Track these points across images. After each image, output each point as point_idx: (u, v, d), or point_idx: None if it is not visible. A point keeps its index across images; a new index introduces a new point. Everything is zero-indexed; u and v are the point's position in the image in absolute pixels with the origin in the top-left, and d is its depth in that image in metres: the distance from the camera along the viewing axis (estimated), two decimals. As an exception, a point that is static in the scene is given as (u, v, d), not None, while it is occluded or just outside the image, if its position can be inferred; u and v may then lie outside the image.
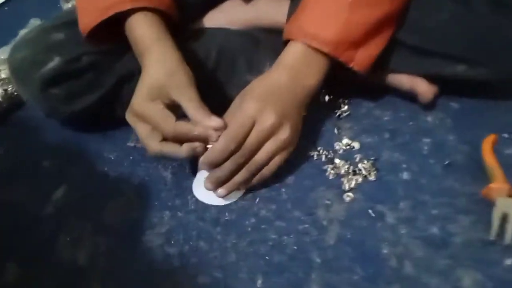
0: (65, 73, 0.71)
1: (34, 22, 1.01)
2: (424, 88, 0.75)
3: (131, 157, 0.75)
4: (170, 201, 0.68)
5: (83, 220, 0.67)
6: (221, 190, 0.65)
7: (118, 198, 0.69)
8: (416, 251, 0.60)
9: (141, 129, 0.63)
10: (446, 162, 0.69)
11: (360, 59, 0.66)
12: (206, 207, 0.67)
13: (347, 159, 0.71)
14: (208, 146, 0.63)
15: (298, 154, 0.72)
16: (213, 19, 0.83)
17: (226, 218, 0.65)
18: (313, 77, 0.66)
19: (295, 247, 0.61)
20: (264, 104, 0.63)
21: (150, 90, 0.62)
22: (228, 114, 0.65)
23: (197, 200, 0.68)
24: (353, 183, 0.67)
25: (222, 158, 0.63)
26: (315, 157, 0.72)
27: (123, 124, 0.77)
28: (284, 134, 0.64)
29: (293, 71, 0.65)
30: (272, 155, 0.64)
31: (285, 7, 0.77)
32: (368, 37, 0.66)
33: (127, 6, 0.66)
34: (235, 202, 0.67)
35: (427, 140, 0.73)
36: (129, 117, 0.64)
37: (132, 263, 0.62)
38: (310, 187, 0.68)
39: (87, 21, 0.68)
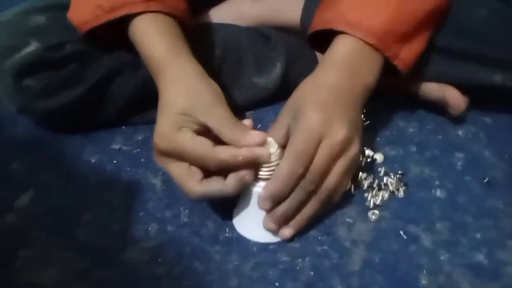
0: (44, 61, 0.61)
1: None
2: (456, 98, 0.65)
3: (114, 161, 0.64)
4: (159, 212, 0.57)
5: (51, 233, 0.55)
6: (287, 230, 0.52)
7: (97, 209, 0.57)
8: (461, 282, 0.49)
9: (177, 171, 0.50)
10: (486, 180, 0.59)
11: (405, 57, 0.56)
12: (202, 221, 0.55)
13: (370, 172, 0.60)
14: (262, 173, 0.51)
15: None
16: (219, 14, 0.74)
17: (227, 235, 0.54)
18: (371, 75, 0.55)
19: (312, 273, 0.50)
20: (330, 113, 0.50)
21: (174, 119, 0.50)
22: (276, 130, 0.53)
23: (191, 213, 0.56)
24: (379, 199, 0.57)
25: (289, 187, 0.50)
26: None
27: (108, 125, 0.68)
28: (355, 149, 0.52)
29: (350, 69, 0.53)
30: (343, 177, 0.52)
31: (298, 3, 0.69)
32: (415, 32, 0.56)
33: (139, 9, 0.55)
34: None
35: (460, 155, 0.63)
36: (157, 158, 0.52)
37: (112, 285, 0.50)
38: (329, 203, 0.57)
39: (85, 18, 0.58)
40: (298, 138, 0.49)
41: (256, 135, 0.49)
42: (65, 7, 0.62)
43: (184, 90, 0.51)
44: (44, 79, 0.62)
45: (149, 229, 0.55)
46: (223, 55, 0.69)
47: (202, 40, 0.68)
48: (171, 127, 0.50)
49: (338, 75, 0.53)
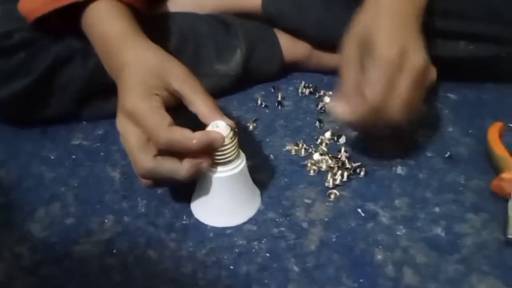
0: None
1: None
2: None
3: (73, 156, 0.63)
4: (116, 204, 0.56)
5: (2, 229, 0.54)
6: None
7: (51, 203, 0.56)
8: (418, 257, 0.48)
9: (133, 137, 0.48)
10: (447, 155, 0.58)
11: None
12: (160, 210, 0.54)
13: (331, 153, 0.59)
14: (217, 157, 0.49)
15: (273, 149, 0.61)
16: (179, 3, 0.73)
17: (184, 222, 0.53)
18: None
19: (268, 255, 0.49)
20: (403, 42, 0.49)
21: (145, 82, 0.48)
22: (350, 67, 0.51)
23: (148, 203, 0.55)
24: (338, 180, 0.56)
25: (374, 123, 0.50)
26: (293, 151, 0.61)
27: (68, 120, 0.67)
28: (433, 73, 0.52)
29: None
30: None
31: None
32: None
33: None
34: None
35: (424, 131, 0.63)
36: (119, 120, 0.50)
37: (61, 279, 0.48)
38: (287, 185, 0.56)
39: (34, 6, 0.57)
40: (377, 72, 0.49)
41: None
42: None
43: (157, 57, 0.51)
44: None
45: (105, 221, 0.54)
46: (180, 44, 0.68)
47: (157, 30, 0.67)
48: (143, 91, 0.48)
49: None
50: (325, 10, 0.68)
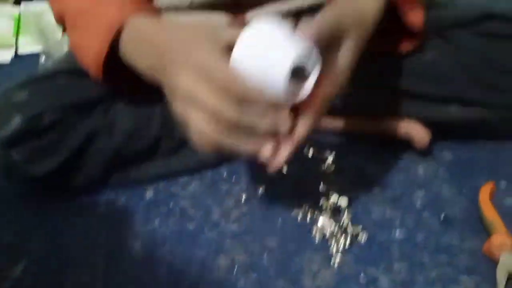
0: (26, 133, 0.66)
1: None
2: (420, 132, 0.71)
3: (98, 226, 0.68)
4: (138, 275, 0.61)
5: None
6: None
7: (81, 276, 0.62)
8: (416, 320, 0.52)
9: (195, 115, 0.48)
10: (442, 216, 0.63)
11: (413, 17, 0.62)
12: (178, 279, 0.60)
13: (334, 218, 0.64)
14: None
15: (281, 214, 0.66)
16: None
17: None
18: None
19: (278, 321, 0.54)
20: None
21: (208, 39, 0.49)
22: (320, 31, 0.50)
23: (168, 273, 0.61)
24: (341, 245, 0.61)
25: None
26: (300, 217, 0.66)
27: (91, 189, 0.73)
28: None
29: None
30: None
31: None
32: None
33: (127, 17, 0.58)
34: (211, 273, 0.60)
35: (420, 193, 0.67)
36: (177, 103, 0.50)
37: None
38: (295, 251, 0.61)
39: (92, 54, 0.61)
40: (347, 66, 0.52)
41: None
42: (43, 79, 0.69)
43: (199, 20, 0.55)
44: (28, 149, 0.67)
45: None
46: None
47: None
48: (209, 50, 0.49)
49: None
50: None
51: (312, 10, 0.74)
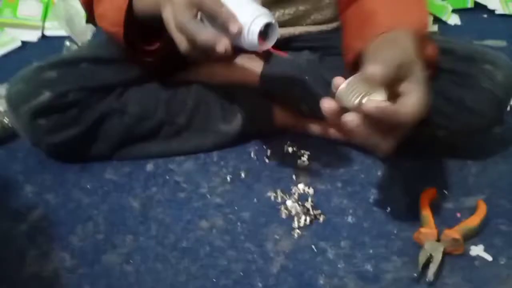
0: (53, 107, 0.80)
1: (36, 67, 1.12)
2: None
3: (105, 188, 0.82)
4: (134, 227, 0.75)
5: (52, 239, 0.73)
6: None
7: (87, 222, 0.76)
8: (349, 284, 0.65)
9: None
10: (388, 210, 0.76)
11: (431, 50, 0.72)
12: (166, 233, 0.73)
13: (300, 202, 0.78)
14: None
15: (257, 194, 0.80)
16: (195, 73, 0.92)
17: (183, 245, 0.72)
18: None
19: (241, 273, 0.67)
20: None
21: None
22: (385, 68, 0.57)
23: (159, 227, 0.74)
24: (302, 222, 0.74)
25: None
26: (272, 198, 0.79)
27: (103, 158, 0.86)
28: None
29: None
30: None
31: (258, 65, 0.88)
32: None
33: None
34: (194, 232, 0.73)
35: (374, 191, 0.81)
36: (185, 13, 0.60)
37: (92, 278, 0.67)
38: (264, 223, 0.75)
39: (115, 10, 0.72)
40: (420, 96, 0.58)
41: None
42: (69, 63, 0.83)
43: None
44: (52, 120, 0.81)
45: (126, 239, 0.73)
46: (194, 106, 0.88)
47: (177, 93, 0.87)
48: None
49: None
50: (310, 89, 0.87)
51: (302, 38, 0.89)
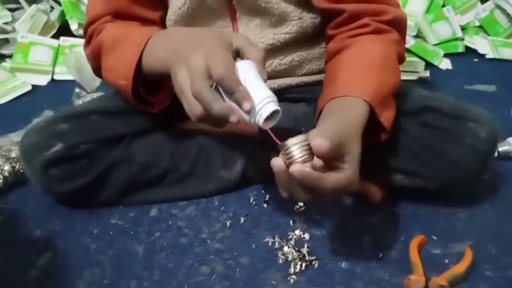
0: (64, 157, 0.85)
1: (47, 113, 1.18)
2: (374, 190, 0.89)
3: (111, 233, 0.86)
4: (139, 272, 0.78)
5: (61, 284, 0.77)
6: None
7: (93, 268, 0.79)
8: (342, 329, 0.69)
9: (198, 63, 0.65)
10: (380, 256, 0.80)
11: (386, 117, 0.75)
12: (169, 279, 0.77)
13: (296, 247, 0.82)
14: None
15: (256, 240, 0.84)
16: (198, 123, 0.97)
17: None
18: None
19: (240, 319, 0.71)
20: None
21: (221, 45, 0.66)
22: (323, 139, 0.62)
23: (162, 272, 0.78)
24: (298, 268, 0.78)
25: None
26: (270, 243, 0.83)
27: (109, 204, 0.91)
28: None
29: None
30: None
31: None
32: (390, 99, 0.77)
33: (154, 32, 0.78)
34: (195, 277, 0.77)
35: (368, 237, 0.85)
36: (205, 84, 0.65)
37: None
38: (262, 269, 0.79)
39: (125, 63, 0.78)
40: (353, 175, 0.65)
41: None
42: (81, 115, 0.88)
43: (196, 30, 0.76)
44: (63, 170, 0.86)
45: (130, 284, 0.77)
46: (197, 154, 0.93)
47: (181, 140, 0.92)
48: (226, 52, 0.66)
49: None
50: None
51: (297, 89, 0.94)
